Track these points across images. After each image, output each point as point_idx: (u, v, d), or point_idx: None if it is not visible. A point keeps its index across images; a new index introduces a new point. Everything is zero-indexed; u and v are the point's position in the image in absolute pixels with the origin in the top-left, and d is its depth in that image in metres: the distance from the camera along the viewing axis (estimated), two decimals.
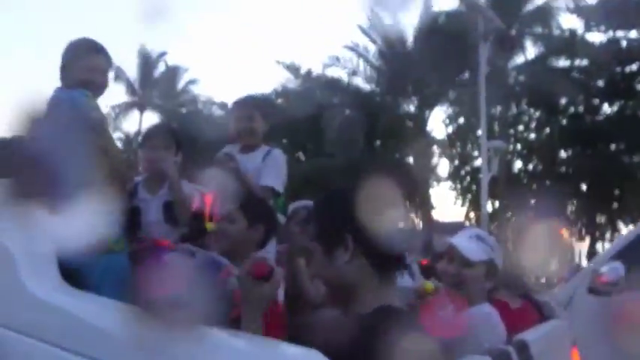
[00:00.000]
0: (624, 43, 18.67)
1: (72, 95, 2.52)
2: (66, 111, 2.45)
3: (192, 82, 31.66)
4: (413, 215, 23.94)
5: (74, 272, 2.08)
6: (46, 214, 2.03)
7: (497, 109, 19.93)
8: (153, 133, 3.04)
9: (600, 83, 19.21)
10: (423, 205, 21.58)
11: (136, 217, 2.74)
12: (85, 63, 2.64)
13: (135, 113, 30.47)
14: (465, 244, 2.20)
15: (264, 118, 3.43)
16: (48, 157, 2.10)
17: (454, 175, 23.14)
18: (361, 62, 21.67)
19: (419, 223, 22.79)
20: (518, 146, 22.00)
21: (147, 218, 2.76)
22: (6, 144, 2.43)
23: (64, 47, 2.70)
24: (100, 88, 2.70)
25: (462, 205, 22.74)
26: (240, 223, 2.48)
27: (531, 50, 20.33)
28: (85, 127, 2.39)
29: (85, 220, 2.05)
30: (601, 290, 4.01)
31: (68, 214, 2.03)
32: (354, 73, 21.86)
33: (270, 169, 3.23)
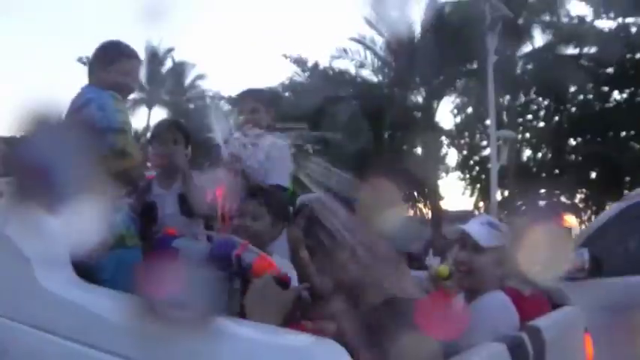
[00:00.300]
0: (634, 30, 18.47)
1: (100, 95, 2.55)
2: (92, 110, 2.48)
3: (199, 77, 31.69)
4: (422, 205, 23.95)
5: (87, 267, 2.10)
6: (59, 211, 2.06)
7: (506, 99, 19.82)
8: (162, 128, 3.07)
9: (610, 70, 19.02)
10: (432, 195, 21.54)
11: (153, 212, 2.79)
12: (120, 67, 2.69)
13: (143, 109, 30.53)
14: (476, 230, 2.19)
15: (268, 111, 3.44)
16: (67, 154, 2.13)
17: (463, 165, 23.06)
18: (368, 54, 21.60)
19: (428, 214, 22.77)
20: (527, 135, 21.88)
21: (163, 212, 2.81)
22: (17, 143, 2.46)
23: (98, 47, 2.74)
24: (129, 91, 2.76)
25: (471, 194, 22.69)
26: (265, 220, 2.52)
27: (539, 38, 20.19)
28: (107, 128, 2.42)
29: (99, 218, 2.07)
30: (570, 276, 4.04)
31: (82, 212, 2.06)
32: (361, 65, 21.78)
33: (275, 164, 3.24)
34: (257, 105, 3.39)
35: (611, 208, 5.26)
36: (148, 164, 3.07)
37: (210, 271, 2.12)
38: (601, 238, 4.66)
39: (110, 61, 2.67)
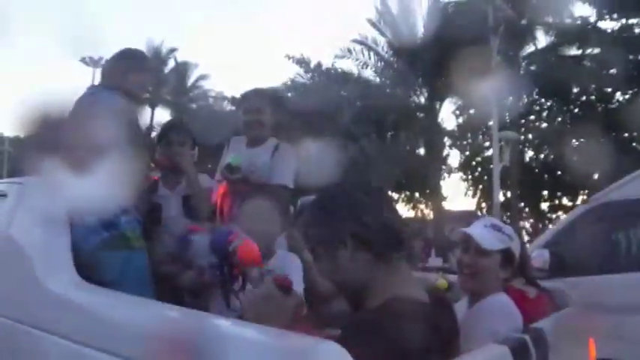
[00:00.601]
0: (637, 31, 18.44)
1: (112, 95, 2.57)
2: (103, 108, 2.50)
3: (202, 77, 31.71)
4: (424, 206, 23.96)
5: (94, 269, 2.11)
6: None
7: (509, 99, 19.80)
8: (169, 129, 3.10)
9: (613, 71, 18.98)
10: (434, 195, 21.52)
11: (157, 212, 2.81)
12: (140, 77, 2.73)
13: (146, 110, 30.51)
14: (480, 233, 2.18)
15: (273, 110, 3.44)
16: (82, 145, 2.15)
17: (465, 166, 23.04)
18: (372, 55, 21.57)
19: (430, 214, 22.78)
20: (530, 136, 21.84)
21: (167, 213, 2.84)
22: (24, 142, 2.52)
23: (123, 52, 2.78)
24: (138, 101, 2.79)
25: (474, 195, 22.67)
26: (276, 222, 2.55)
27: (542, 39, 20.17)
28: (120, 124, 2.43)
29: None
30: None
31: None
32: (364, 65, 21.74)
33: (281, 165, 3.24)
34: (262, 105, 3.39)
35: (575, 210, 5.36)
36: (152, 165, 3.09)
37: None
38: (565, 239, 4.75)
39: (133, 69, 2.71)
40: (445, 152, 23.13)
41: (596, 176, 20.25)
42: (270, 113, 3.39)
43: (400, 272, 1.58)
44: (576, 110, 20.66)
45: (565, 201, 21.03)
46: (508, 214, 18.67)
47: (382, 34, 21.36)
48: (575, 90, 20.06)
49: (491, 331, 1.93)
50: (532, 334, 1.92)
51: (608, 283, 4.35)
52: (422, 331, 1.43)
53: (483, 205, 22.24)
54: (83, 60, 26.26)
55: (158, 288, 2.43)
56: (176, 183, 2.93)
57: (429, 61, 18.91)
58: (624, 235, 4.89)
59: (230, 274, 2.21)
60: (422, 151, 22.46)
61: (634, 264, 4.68)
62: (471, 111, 21.79)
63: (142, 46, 29.39)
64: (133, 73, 2.71)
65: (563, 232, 4.95)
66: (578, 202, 20.99)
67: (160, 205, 2.87)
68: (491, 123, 16.31)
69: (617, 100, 20.09)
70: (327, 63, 22.83)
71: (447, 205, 22.80)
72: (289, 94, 21.90)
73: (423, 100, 21.53)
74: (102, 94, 2.60)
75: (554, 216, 21.52)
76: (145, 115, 30.17)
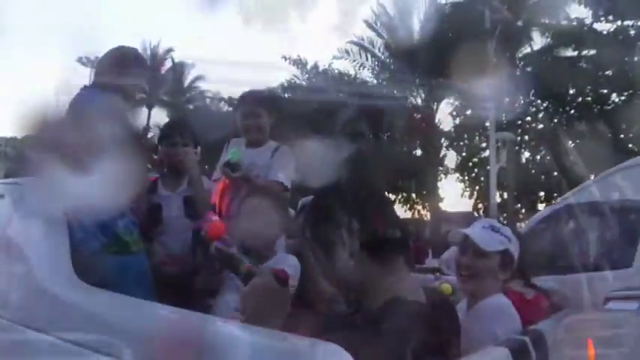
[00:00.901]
0: (633, 32, 18.49)
1: (105, 95, 2.55)
2: (96, 109, 2.48)
3: (199, 78, 31.67)
4: (421, 207, 23.97)
5: (92, 274, 2.09)
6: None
7: (505, 100, 19.84)
8: (171, 129, 3.08)
9: (609, 73, 19.03)
10: (431, 196, 21.54)
11: (157, 213, 2.80)
12: (132, 77, 2.70)
13: (142, 110, 30.48)
14: (479, 234, 2.18)
15: (270, 113, 3.42)
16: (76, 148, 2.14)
17: (462, 167, 23.06)
18: (369, 56, 21.58)
19: (427, 215, 22.79)
20: (526, 137, 21.88)
21: (168, 213, 2.82)
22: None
23: (115, 50, 2.74)
24: (132, 101, 2.76)
25: (470, 196, 22.70)
26: (277, 222, 2.55)
27: (539, 40, 20.22)
28: (113, 126, 2.41)
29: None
30: None
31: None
32: (362, 66, 21.74)
33: (279, 164, 3.23)
34: (259, 109, 3.37)
35: (542, 212, 5.38)
36: (149, 166, 3.07)
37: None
38: (531, 240, 4.76)
39: (126, 68, 2.67)
40: (442, 153, 23.16)
41: (592, 177, 20.28)
42: (267, 116, 3.38)
43: (399, 273, 1.58)
44: (572, 111, 20.70)
45: None
46: (505, 215, 18.70)
47: (379, 35, 21.38)
48: (571, 91, 20.11)
49: (490, 333, 1.93)
50: (532, 335, 1.92)
51: (563, 283, 4.34)
52: (423, 332, 1.43)
53: (480, 206, 22.27)
54: (80, 60, 26.20)
55: (161, 290, 2.41)
56: (176, 183, 2.91)
57: (426, 63, 18.93)
58: (585, 236, 4.89)
59: (206, 258, 2.23)
60: (419, 152, 22.48)
61: (590, 265, 4.68)
62: (468, 112, 21.83)
63: (138, 45, 29.34)
64: (126, 73, 2.68)
65: (530, 233, 4.94)
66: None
67: (160, 205, 2.86)
68: (487, 124, 16.34)
69: (613, 102, 20.12)
70: (323, 64, 22.87)
71: (444, 207, 22.84)
72: (286, 95, 21.88)
73: (420, 101, 21.56)
74: (94, 95, 2.57)
75: None
76: (141, 116, 30.15)
